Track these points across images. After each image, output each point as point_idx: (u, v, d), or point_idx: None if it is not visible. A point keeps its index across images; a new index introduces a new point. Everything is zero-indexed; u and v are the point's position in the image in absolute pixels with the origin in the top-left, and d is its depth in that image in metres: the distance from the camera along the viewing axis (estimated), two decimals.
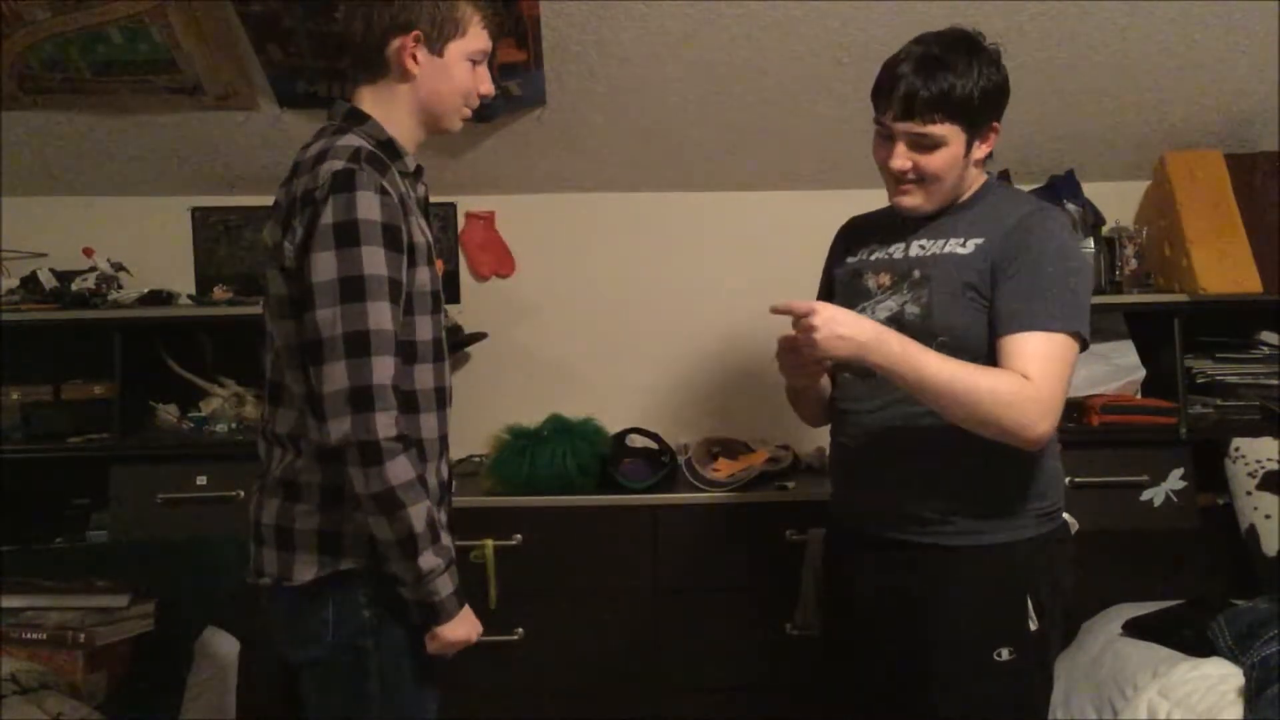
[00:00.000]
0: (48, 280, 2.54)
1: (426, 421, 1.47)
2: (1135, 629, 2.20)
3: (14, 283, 2.56)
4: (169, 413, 2.56)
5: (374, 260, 1.34)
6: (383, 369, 1.34)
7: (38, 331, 2.52)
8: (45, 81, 2.34)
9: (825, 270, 1.82)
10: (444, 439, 1.53)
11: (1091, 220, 2.57)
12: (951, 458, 1.53)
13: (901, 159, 1.54)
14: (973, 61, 1.49)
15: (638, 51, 2.33)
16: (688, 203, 2.82)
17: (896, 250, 1.63)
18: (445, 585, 1.40)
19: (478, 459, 2.63)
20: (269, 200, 1.48)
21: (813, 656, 2.20)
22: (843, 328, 1.43)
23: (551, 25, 2.24)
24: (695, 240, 2.83)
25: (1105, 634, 2.25)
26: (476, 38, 1.50)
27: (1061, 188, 2.60)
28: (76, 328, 2.49)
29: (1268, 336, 2.53)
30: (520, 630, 2.30)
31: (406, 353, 1.43)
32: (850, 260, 1.70)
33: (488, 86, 1.53)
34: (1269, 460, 2.36)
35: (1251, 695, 1.82)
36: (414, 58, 1.46)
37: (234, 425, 2.54)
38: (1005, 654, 1.53)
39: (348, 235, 1.33)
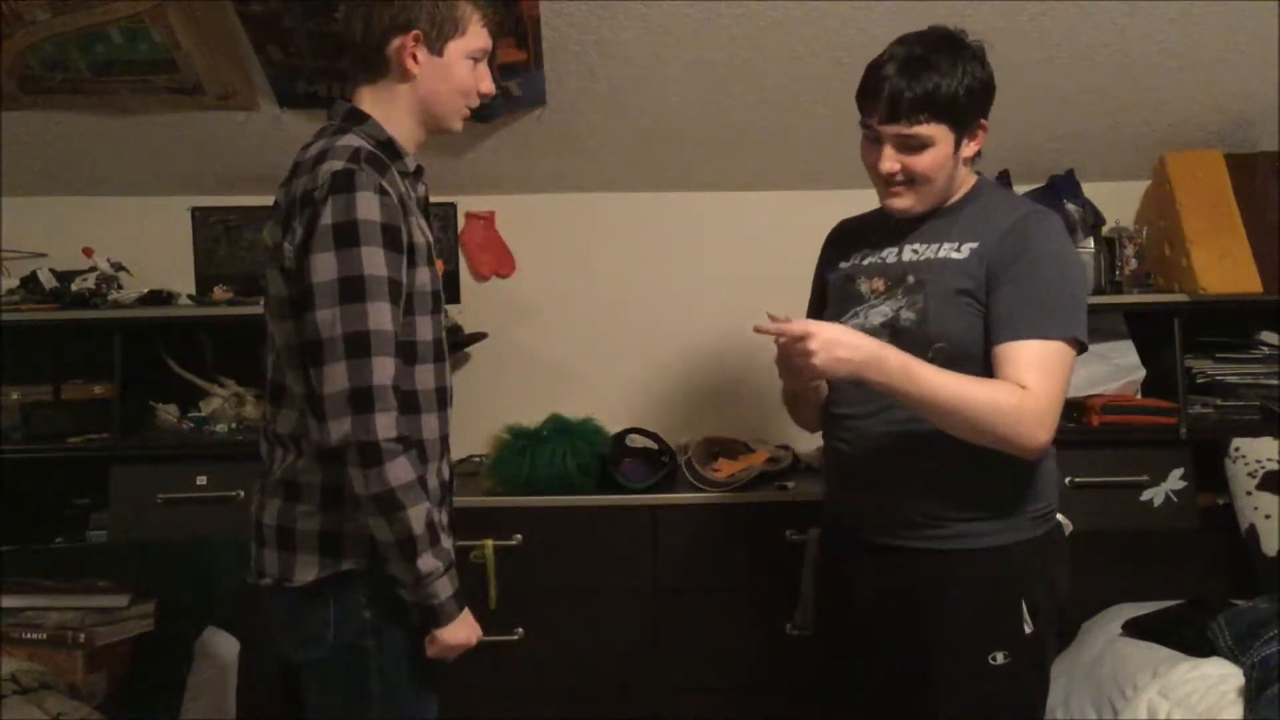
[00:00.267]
0: (48, 280, 2.53)
1: (427, 422, 1.47)
2: (1135, 629, 2.20)
3: (14, 283, 2.56)
4: (169, 413, 2.56)
5: (373, 261, 1.34)
6: (383, 370, 1.34)
7: (38, 331, 2.52)
8: (45, 81, 2.34)
9: (816, 275, 1.81)
10: (445, 439, 1.52)
11: (1091, 220, 2.57)
12: (946, 462, 1.52)
13: (890, 161, 1.53)
14: (956, 60, 1.49)
15: (638, 51, 2.33)
16: (688, 203, 2.82)
17: (889, 254, 1.62)
18: (445, 588, 1.40)
19: (478, 459, 2.63)
20: (269, 200, 1.48)
21: (813, 656, 2.21)
22: (841, 349, 1.42)
23: (551, 25, 2.24)
24: (695, 240, 2.83)
25: (1105, 634, 2.25)
26: (476, 36, 1.49)
27: (1061, 188, 2.60)
28: (76, 328, 2.49)
29: (1268, 336, 2.53)
30: (520, 630, 2.30)
31: (407, 353, 1.43)
32: (843, 265, 1.69)
33: (488, 85, 1.53)
34: (1269, 460, 2.36)
35: (1251, 695, 1.82)
36: (414, 57, 1.45)
37: (234, 425, 2.54)
38: (1000, 657, 1.53)
39: (347, 236, 1.33)
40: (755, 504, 2.33)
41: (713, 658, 2.32)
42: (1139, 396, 2.51)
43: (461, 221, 2.83)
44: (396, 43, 1.45)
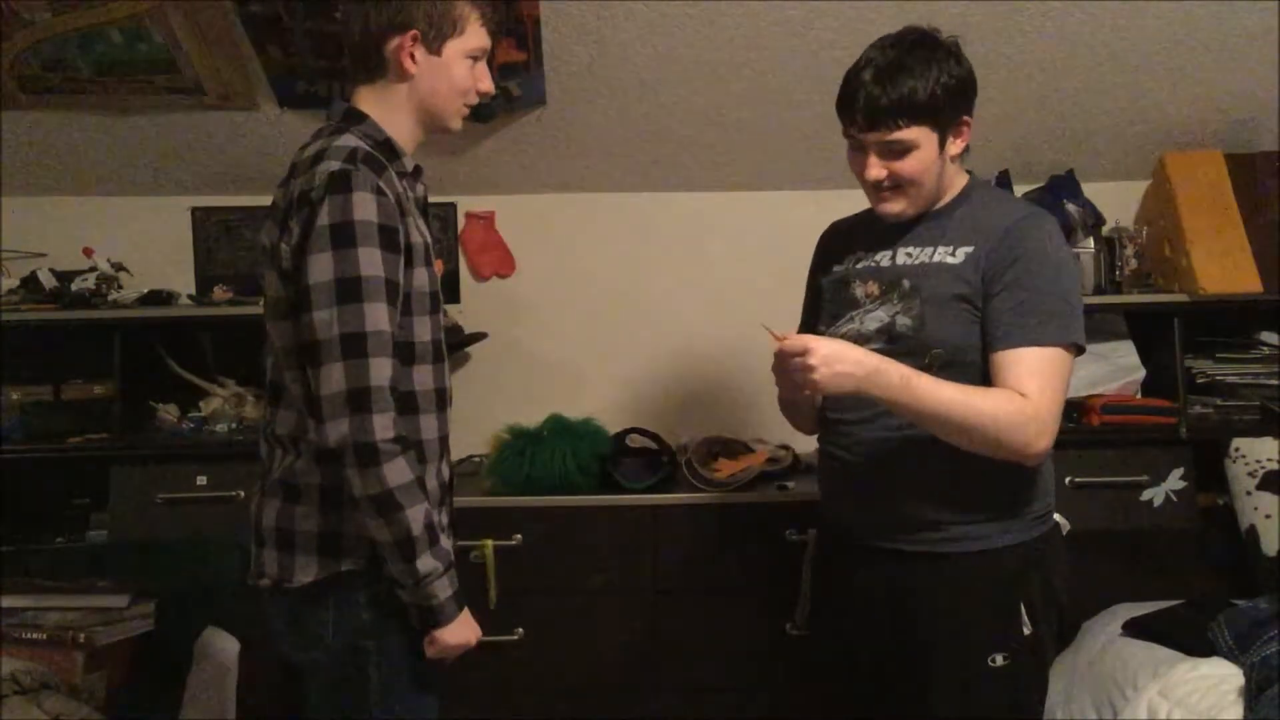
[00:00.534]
0: (48, 280, 2.53)
1: (426, 423, 1.46)
2: (1135, 629, 2.20)
3: (14, 283, 2.56)
4: (169, 413, 2.56)
5: (370, 261, 1.34)
6: (380, 370, 1.34)
7: (38, 331, 2.52)
8: (45, 81, 2.34)
9: (810, 278, 1.80)
10: (444, 440, 1.52)
11: (1091, 220, 2.57)
12: (944, 466, 1.52)
13: (875, 168, 1.53)
14: (930, 60, 1.48)
15: (638, 51, 2.33)
16: (688, 203, 2.82)
17: (883, 258, 1.62)
18: (443, 588, 1.40)
19: (478, 459, 2.63)
20: (269, 200, 1.48)
21: (810, 659, 2.21)
22: (842, 364, 1.42)
23: (551, 25, 2.24)
24: (695, 240, 2.83)
25: (1105, 634, 2.25)
26: (475, 36, 1.49)
27: (1061, 188, 2.60)
28: (76, 328, 2.49)
29: (1268, 336, 2.53)
30: (520, 630, 2.30)
31: (405, 354, 1.42)
32: (836, 269, 1.69)
33: (487, 84, 1.53)
34: (1269, 460, 2.36)
35: (1251, 695, 1.82)
36: (411, 57, 1.45)
37: (234, 425, 2.54)
38: (1000, 659, 1.53)
39: (344, 236, 1.33)
40: (755, 504, 2.33)
41: (713, 658, 2.32)
42: (1139, 396, 2.51)
43: (461, 221, 2.83)
44: (394, 42, 1.45)
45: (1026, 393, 1.46)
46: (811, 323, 1.76)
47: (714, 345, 2.82)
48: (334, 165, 1.36)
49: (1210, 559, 2.47)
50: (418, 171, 1.54)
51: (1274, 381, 2.49)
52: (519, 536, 2.30)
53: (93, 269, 2.56)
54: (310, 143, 1.45)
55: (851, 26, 2.26)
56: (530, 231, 2.83)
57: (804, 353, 1.41)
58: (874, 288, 1.61)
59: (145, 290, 2.58)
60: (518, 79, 2.37)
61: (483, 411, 2.62)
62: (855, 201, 1.84)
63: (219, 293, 2.64)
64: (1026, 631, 1.53)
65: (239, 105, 2.43)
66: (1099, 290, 2.53)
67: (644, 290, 2.83)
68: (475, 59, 1.50)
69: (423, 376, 1.46)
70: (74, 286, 2.51)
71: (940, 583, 1.55)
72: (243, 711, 2.29)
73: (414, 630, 1.43)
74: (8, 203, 2.71)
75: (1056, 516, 1.64)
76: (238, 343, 2.59)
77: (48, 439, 2.47)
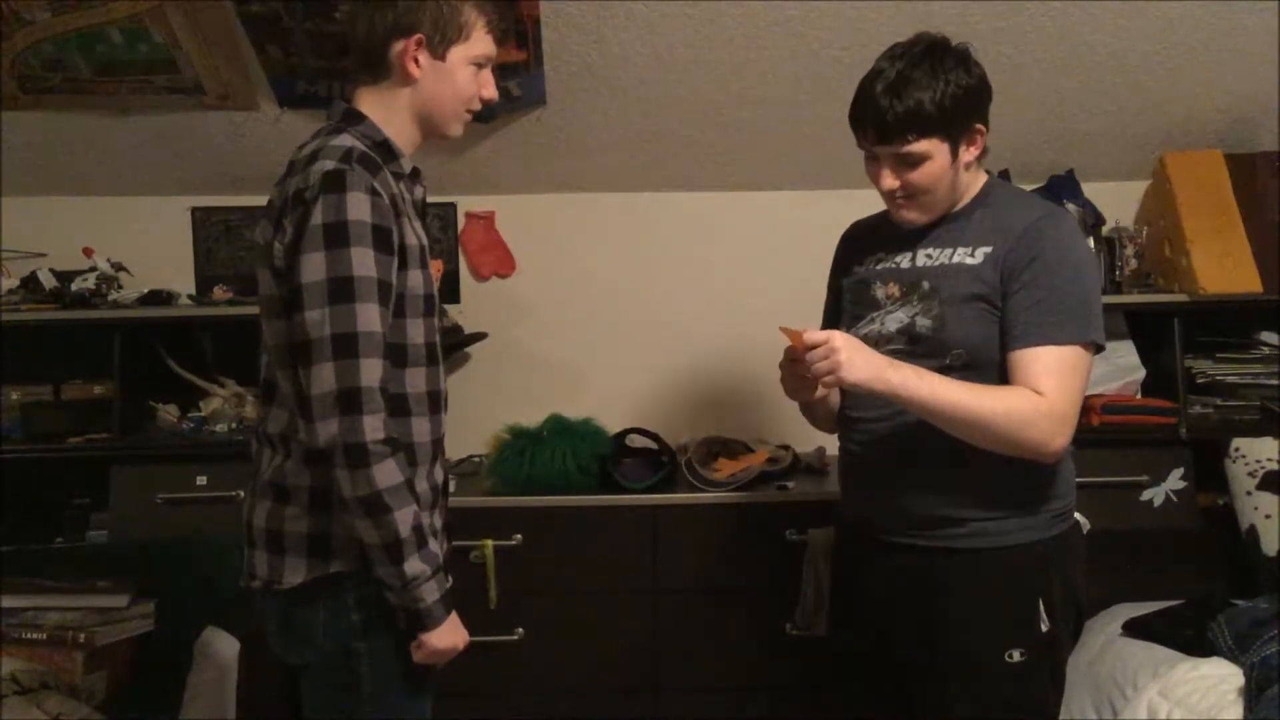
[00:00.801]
0: (48, 280, 2.53)
1: (418, 426, 1.46)
2: (1135, 629, 2.20)
3: (14, 283, 2.56)
4: (169, 413, 2.56)
5: (363, 262, 1.33)
6: (371, 371, 1.33)
7: (38, 331, 2.52)
8: (45, 81, 2.34)
9: (831, 280, 1.81)
10: (438, 443, 1.51)
11: (1091, 220, 2.57)
12: (964, 462, 1.52)
13: (889, 179, 1.54)
14: (937, 71, 1.48)
15: (638, 51, 2.33)
16: (688, 203, 2.82)
17: (904, 259, 1.62)
18: (431, 592, 1.39)
19: (478, 459, 2.63)
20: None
21: (813, 656, 2.22)
22: (862, 351, 1.45)
23: (551, 25, 2.24)
24: (695, 240, 2.83)
25: (1105, 634, 2.25)
26: (480, 42, 1.49)
27: (1061, 188, 2.60)
28: (76, 328, 2.49)
29: (1268, 336, 2.53)
30: (520, 630, 2.31)
31: (397, 356, 1.42)
32: (857, 270, 1.70)
33: (490, 91, 1.52)
34: (1269, 460, 2.36)
35: (1251, 695, 1.83)
36: (415, 61, 1.45)
37: (234, 425, 2.54)
38: (1017, 655, 1.53)
39: (337, 236, 1.33)
40: (755, 504, 2.33)
41: (713, 658, 2.32)
42: (1139, 396, 2.51)
43: (461, 221, 2.83)
44: (399, 46, 1.44)
45: (1043, 391, 1.47)
46: (833, 324, 1.77)
47: (714, 345, 2.82)
48: (329, 165, 1.36)
49: (1210, 559, 2.47)
50: (416, 173, 1.53)
51: (1274, 381, 2.49)
52: (519, 536, 2.30)
53: (93, 269, 2.56)
54: (308, 142, 1.45)
55: (851, 26, 2.26)
56: (530, 231, 2.83)
57: (826, 343, 1.43)
58: (894, 289, 1.61)
59: (145, 290, 2.58)
60: (518, 79, 2.37)
61: (483, 411, 2.62)
62: (855, 201, 1.85)
63: (219, 293, 2.64)
64: (1045, 629, 1.54)
65: (239, 105, 2.43)
66: (1100, 291, 2.52)
67: (644, 290, 2.83)
68: (480, 66, 1.50)
69: (415, 379, 1.46)
70: (74, 286, 2.51)
71: (960, 578, 1.56)
72: (243, 711, 2.29)
73: (405, 632, 1.43)
74: (8, 203, 2.71)
75: (1077, 515, 1.64)
76: (238, 343, 2.58)
77: (48, 439, 2.47)
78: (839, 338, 1.44)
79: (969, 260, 1.56)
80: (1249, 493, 2.38)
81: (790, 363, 1.51)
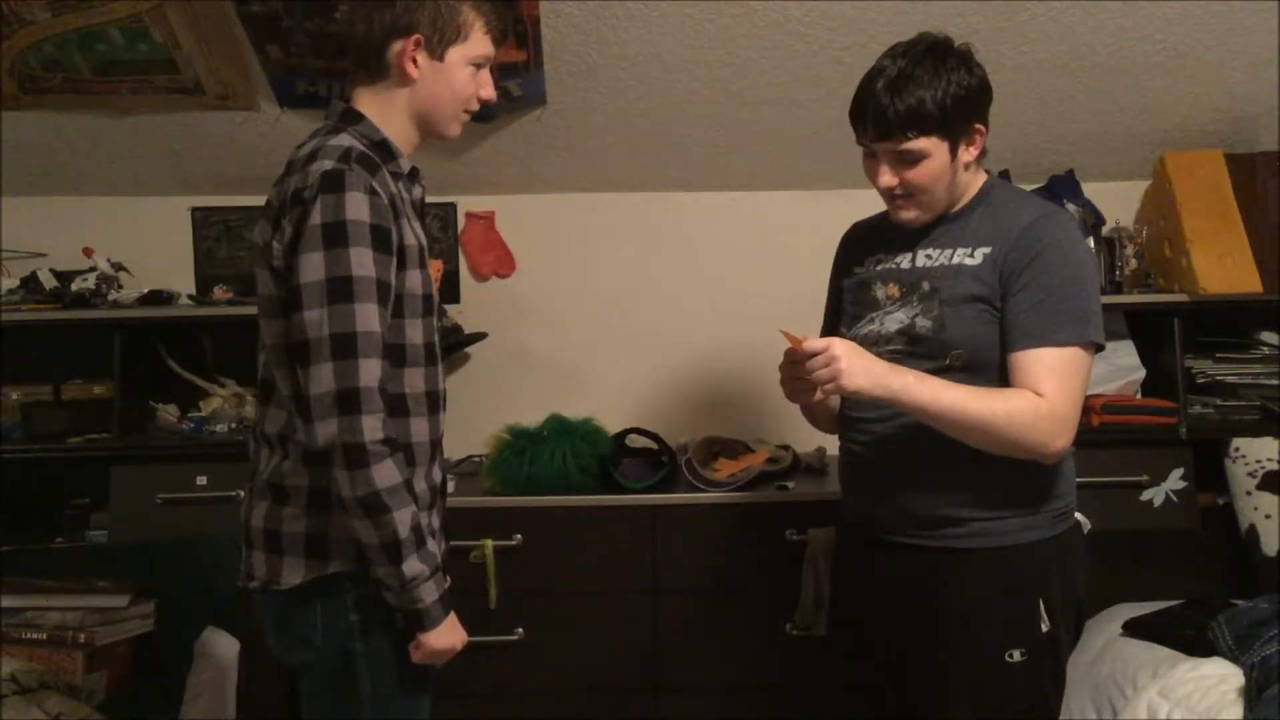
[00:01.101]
0: (48, 280, 2.54)
1: (416, 426, 1.46)
2: (1135, 629, 2.20)
3: (14, 283, 2.56)
4: (169, 413, 2.56)
5: (362, 261, 1.33)
6: (370, 371, 1.33)
7: (38, 331, 2.52)
8: (45, 81, 2.34)
9: (832, 281, 1.81)
10: (436, 443, 1.51)
11: (1091, 220, 2.57)
12: (965, 461, 1.52)
13: (887, 176, 1.54)
14: (939, 70, 1.48)
15: (638, 51, 2.33)
16: (688, 203, 2.82)
17: (904, 260, 1.63)
18: (429, 592, 1.39)
19: (478, 459, 2.63)
20: None
21: (813, 656, 2.22)
22: (863, 357, 1.45)
23: (551, 25, 2.24)
24: (695, 240, 2.83)
25: (1105, 634, 2.26)
26: (479, 43, 1.48)
27: (1061, 188, 2.60)
28: (76, 328, 2.49)
29: (1268, 336, 2.53)
30: (520, 630, 2.30)
31: (396, 356, 1.42)
32: (857, 270, 1.70)
33: (488, 91, 1.52)
34: (1269, 460, 2.36)
35: (1251, 695, 1.83)
36: (414, 61, 1.44)
37: (234, 425, 2.54)
38: (1017, 655, 1.53)
39: (336, 236, 1.33)
40: (755, 504, 2.33)
41: (713, 658, 2.32)
42: (1139, 396, 2.51)
43: (461, 221, 2.83)
44: (397, 46, 1.44)
45: (1044, 392, 1.47)
46: (833, 324, 1.77)
47: (714, 345, 2.82)
48: (327, 164, 1.36)
49: (1210, 559, 2.47)
50: (414, 173, 1.53)
51: (1274, 381, 2.49)
52: (519, 536, 2.30)
53: (93, 269, 2.56)
54: (306, 141, 1.45)
55: (851, 26, 2.26)
56: (530, 231, 2.83)
57: (826, 350, 1.43)
58: (894, 289, 1.62)
59: (145, 290, 2.58)
60: (518, 79, 2.37)
61: (483, 411, 2.62)
62: (855, 201, 1.85)
63: (219, 293, 2.64)
64: (1045, 628, 1.54)
65: (239, 105, 2.43)
66: (1099, 290, 2.52)
67: (644, 290, 2.83)
68: (478, 66, 1.50)
69: (414, 379, 1.46)
70: (74, 286, 2.52)
71: (961, 578, 1.56)
72: (243, 711, 2.29)
73: (403, 632, 1.43)
74: (8, 203, 2.71)
75: (1077, 515, 1.64)
76: (238, 343, 2.57)
77: (48, 439, 2.47)
78: (839, 345, 1.44)
79: (968, 261, 1.56)
80: (1249, 493, 2.38)
81: (790, 365, 1.51)
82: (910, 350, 1.56)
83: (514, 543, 2.30)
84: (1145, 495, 2.41)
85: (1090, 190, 2.63)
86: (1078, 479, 1.64)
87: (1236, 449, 2.42)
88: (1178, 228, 2.52)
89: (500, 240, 2.83)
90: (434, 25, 1.44)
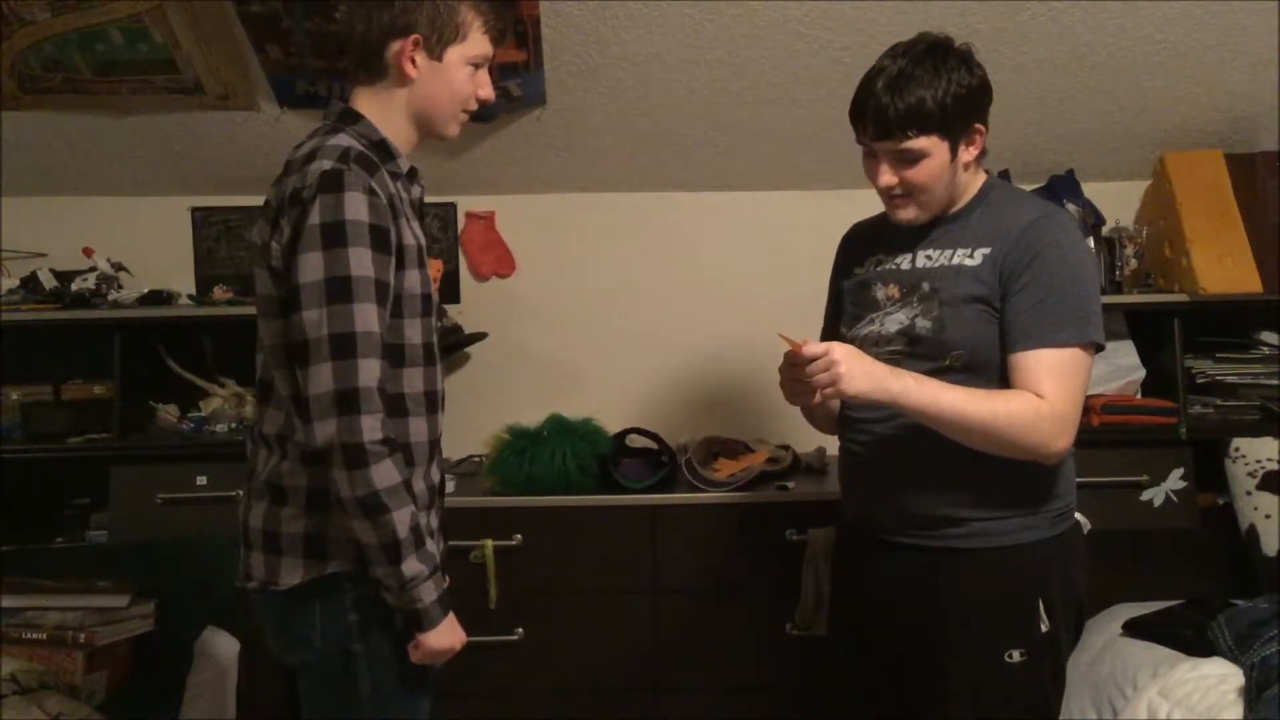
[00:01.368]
0: (48, 280, 2.54)
1: (415, 426, 1.46)
2: (1135, 629, 2.20)
3: (14, 283, 2.56)
4: (169, 413, 2.56)
5: (361, 261, 1.33)
6: (369, 371, 1.33)
7: (38, 331, 2.52)
8: (45, 81, 2.34)
9: (832, 282, 1.81)
10: (435, 444, 1.51)
11: (1091, 220, 2.57)
12: (964, 462, 1.53)
13: (887, 175, 1.54)
14: (939, 70, 1.49)
15: (638, 51, 2.33)
16: (688, 203, 2.82)
17: (903, 261, 1.63)
18: (429, 592, 1.39)
19: (478, 459, 2.63)
20: None
21: (813, 656, 2.22)
22: (862, 360, 1.45)
23: (551, 25, 2.24)
24: (695, 240, 2.83)
25: (1105, 634, 2.26)
26: (477, 43, 1.48)
27: (1061, 188, 2.60)
28: (76, 328, 2.49)
29: (1268, 336, 2.53)
30: (520, 630, 2.30)
31: (395, 356, 1.42)
32: (857, 271, 1.71)
33: (487, 91, 1.52)
34: (1269, 460, 2.36)
35: (1251, 695, 1.82)
36: (412, 61, 1.44)
37: (234, 425, 2.54)
38: (1017, 655, 1.53)
39: (335, 236, 1.32)
40: (755, 504, 2.33)
41: (713, 658, 2.32)
42: (1139, 396, 2.51)
43: (461, 221, 2.83)
44: (396, 46, 1.44)
45: (1044, 393, 1.47)
46: (833, 325, 1.77)
47: (714, 345, 2.82)
48: (326, 164, 1.35)
49: (1210, 559, 2.47)
50: (413, 173, 1.53)
51: (1274, 381, 2.49)
52: (519, 536, 2.30)
53: (93, 269, 2.56)
54: (305, 141, 1.44)
55: (852, 26, 2.26)
56: (530, 231, 2.83)
57: (825, 355, 1.43)
58: (894, 290, 1.62)
59: (145, 290, 2.58)
60: (518, 79, 2.37)
61: (483, 411, 2.62)
62: (855, 202, 1.85)
63: (219, 293, 2.64)
64: (1045, 629, 1.54)
65: (239, 105, 2.43)
66: (1099, 290, 2.52)
67: (644, 290, 2.83)
68: (476, 66, 1.50)
69: (413, 379, 1.46)
70: (74, 286, 2.52)
71: (961, 578, 1.56)
72: (243, 712, 2.29)
73: (402, 632, 1.43)
74: (8, 203, 2.71)
75: (1078, 515, 1.64)
76: (238, 343, 2.57)
77: (48, 439, 2.47)
78: (839, 349, 1.44)
79: (968, 262, 1.56)
80: (1249, 493, 2.38)
81: (790, 368, 1.51)
82: (910, 351, 1.56)
83: (514, 543, 2.30)
84: (1145, 495, 2.41)
85: (1090, 190, 2.63)
86: (1078, 479, 1.64)
87: (1236, 449, 2.42)
88: (1178, 228, 2.52)
89: (500, 240, 2.83)
90: (432, 25, 1.44)
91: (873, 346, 1.59)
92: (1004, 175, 2.60)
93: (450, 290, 2.81)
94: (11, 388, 2.54)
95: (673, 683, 2.33)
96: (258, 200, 1.47)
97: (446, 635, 1.43)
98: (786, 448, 2.59)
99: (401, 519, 1.34)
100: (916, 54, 1.50)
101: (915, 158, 1.51)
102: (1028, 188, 2.61)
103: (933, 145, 1.50)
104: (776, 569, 2.29)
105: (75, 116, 2.47)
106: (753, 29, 2.27)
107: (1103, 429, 2.39)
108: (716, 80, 2.42)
